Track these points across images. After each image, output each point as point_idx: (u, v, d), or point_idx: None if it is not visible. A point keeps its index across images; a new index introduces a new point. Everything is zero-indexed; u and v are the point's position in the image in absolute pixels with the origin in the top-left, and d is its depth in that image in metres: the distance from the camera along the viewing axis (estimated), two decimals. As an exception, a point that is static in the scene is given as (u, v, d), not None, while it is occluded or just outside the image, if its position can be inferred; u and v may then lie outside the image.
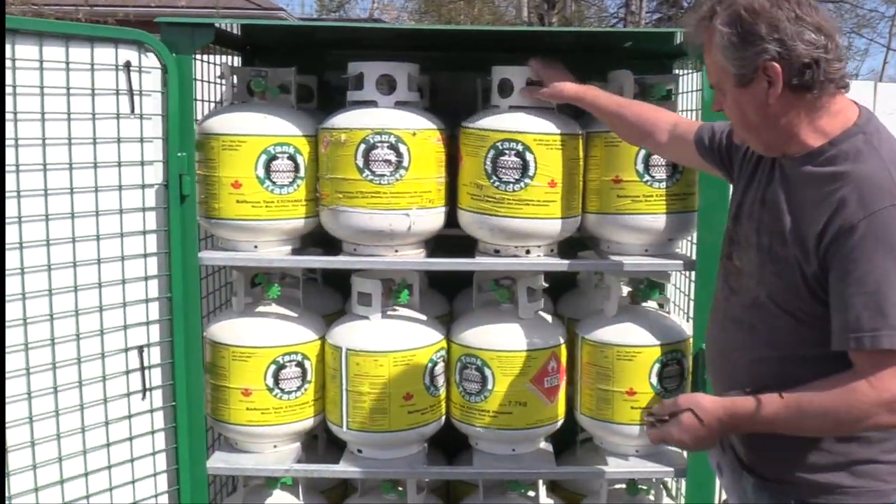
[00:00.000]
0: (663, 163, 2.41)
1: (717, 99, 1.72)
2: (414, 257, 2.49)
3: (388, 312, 2.57)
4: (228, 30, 2.78)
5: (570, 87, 2.30)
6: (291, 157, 2.44)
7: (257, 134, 2.40)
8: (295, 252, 2.56)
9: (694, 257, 2.48)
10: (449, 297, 3.03)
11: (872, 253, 1.50)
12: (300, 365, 2.54)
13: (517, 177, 2.34)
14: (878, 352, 1.49)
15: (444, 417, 2.63)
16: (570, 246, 2.64)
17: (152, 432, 2.43)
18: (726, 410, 1.64)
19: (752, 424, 1.62)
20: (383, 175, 2.35)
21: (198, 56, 2.61)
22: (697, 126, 2.09)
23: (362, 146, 2.34)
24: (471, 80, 2.80)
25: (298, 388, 2.55)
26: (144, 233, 2.36)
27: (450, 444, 2.90)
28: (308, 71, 2.85)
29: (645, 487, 2.79)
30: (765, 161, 1.79)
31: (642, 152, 2.41)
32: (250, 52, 3.08)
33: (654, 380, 2.50)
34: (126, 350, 2.34)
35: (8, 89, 2.04)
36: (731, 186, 1.97)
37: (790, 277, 1.61)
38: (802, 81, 1.57)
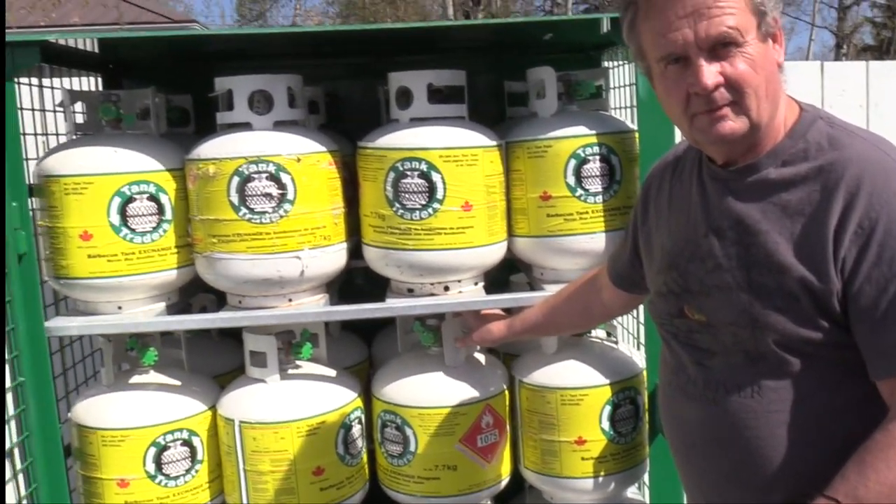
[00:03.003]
0: (598, 173, 2.05)
1: (726, 56, 1.26)
2: (311, 306, 2.08)
3: (290, 371, 2.16)
4: (79, 46, 2.35)
5: (497, 326, 2.01)
6: (153, 198, 2.01)
7: (107, 172, 1.97)
8: (171, 308, 2.14)
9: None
10: (367, 339, 2.63)
11: None
12: (187, 443, 2.12)
13: (424, 202, 1.96)
14: None
15: (367, 485, 2.24)
16: (503, 270, 2.27)
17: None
18: None
19: None
20: (264, 212, 1.94)
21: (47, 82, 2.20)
22: (606, 268, 1.80)
23: (235, 179, 1.93)
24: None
25: (188, 472, 2.12)
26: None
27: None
28: (188, 90, 2.44)
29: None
30: (680, 189, 1.47)
31: (572, 162, 2.04)
32: (114, 72, 2.65)
33: (606, 425, 2.14)
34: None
35: None
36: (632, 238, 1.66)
37: (801, 308, 1.26)
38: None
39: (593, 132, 2.05)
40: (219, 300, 2.26)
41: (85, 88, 2.49)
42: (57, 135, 2.28)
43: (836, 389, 1.30)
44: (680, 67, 1.28)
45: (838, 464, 1.23)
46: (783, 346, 1.29)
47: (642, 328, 2.27)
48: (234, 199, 1.93)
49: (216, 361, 2.45)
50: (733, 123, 1.28)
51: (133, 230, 1.99)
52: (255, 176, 1.93)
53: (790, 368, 1.30)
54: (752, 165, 1.34)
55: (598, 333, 2.35)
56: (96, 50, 2.43)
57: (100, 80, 2.63)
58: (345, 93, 2.73)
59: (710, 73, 1.25)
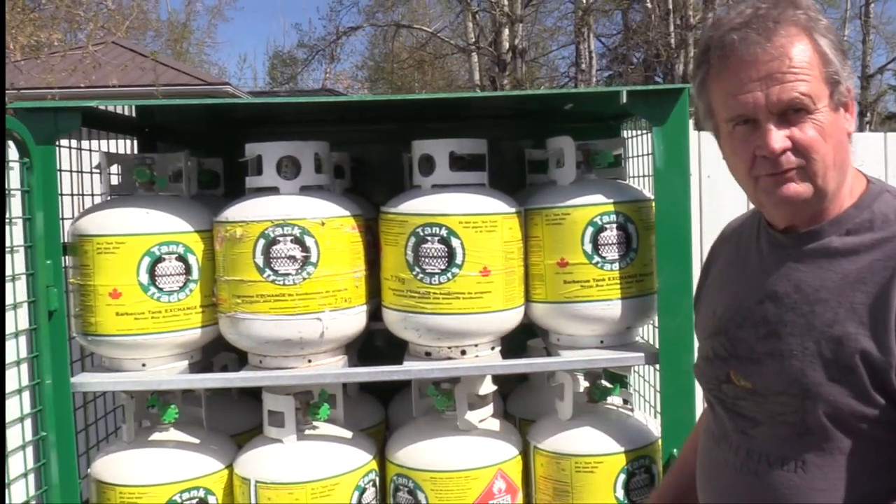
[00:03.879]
0: (615, 241, 2.08)
1: (796, 122, 1.26)
2: (331, 367, 2.11)
3: (307, 432, 2.18)
4: (116, 111, 2.45)
5: None
6: (181, 258, 2.07)
7: (137, 233, 2.04)
8: (193, 366, 2.18)
9: (657, 346, 2.14)
10: (385, 401, 2.65)
11: None
12: (203, 502, 2.13)
13: (443, 266, 2.00)
14: None
15: (380, 551, 2.23)
16: (521, 333, 2.29)
17: None
18: None
19: None
20: (288, 274, 1.99)
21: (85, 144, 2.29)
22: None
23: (261, 241, 1.99)
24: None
25: (203, 530, 2.13)
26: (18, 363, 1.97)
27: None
28: (219, 153, 2.52)
29: None
30: (737, 255, 1.46)
31: (590, 229, 2.08)
32: (150, 135, 2.75)
33: (621, 493, 2.13)
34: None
35: None
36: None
37: (856, 380, 1.22)
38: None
39: (610, 201, 2.09)
40: (240, 359, 2.31)
41: (121, 150, 2.60)
42: (93, 195, 2.36)
43: (885, 471, 1.25)
44: (749, 129, 1.28)
45: None
46: (834, 419, 1.25)
47: (658, 396, 2.27)
48: (259, 260, 1.99)
49: (235, 420, 2.48)
50: (798, 187, 1.28)
51: (161, 289, 2.05)
52: (281, 239, 1.98)
53: (838, 445, 1.26)
54: (814, 232, 1.33)
55: (614, 401, 2.35)
56: (134, 115, 2.54)
57: (135, 142, 2.73)
58: (371, 158, 2.81)
59: (779, 137, 1.25)
